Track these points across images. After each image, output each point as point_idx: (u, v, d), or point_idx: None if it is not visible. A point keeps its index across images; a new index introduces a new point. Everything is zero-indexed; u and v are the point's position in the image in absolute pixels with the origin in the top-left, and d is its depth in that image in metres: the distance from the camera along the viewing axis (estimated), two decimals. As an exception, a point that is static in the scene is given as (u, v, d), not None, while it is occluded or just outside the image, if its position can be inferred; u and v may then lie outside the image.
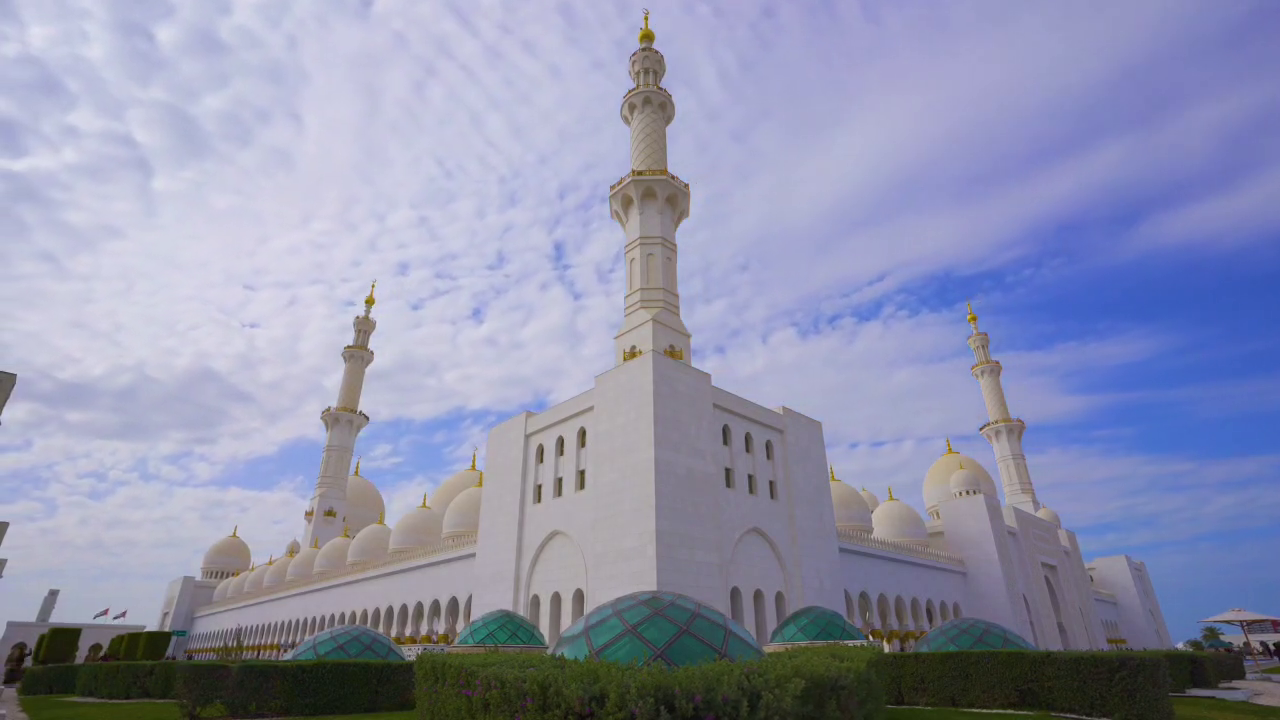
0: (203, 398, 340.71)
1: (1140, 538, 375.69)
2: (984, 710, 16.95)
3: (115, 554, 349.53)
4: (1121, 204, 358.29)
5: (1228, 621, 57.94)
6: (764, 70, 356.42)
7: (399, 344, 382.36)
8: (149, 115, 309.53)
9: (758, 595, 38.96)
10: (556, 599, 38.94)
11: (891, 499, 73.80)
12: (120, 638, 48.04)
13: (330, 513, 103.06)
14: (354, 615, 64.14)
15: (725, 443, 40.94)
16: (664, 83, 60.51)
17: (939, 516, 74.91)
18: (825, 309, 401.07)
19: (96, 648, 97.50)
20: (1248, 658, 68.20)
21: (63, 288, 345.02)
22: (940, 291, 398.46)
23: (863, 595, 53.84)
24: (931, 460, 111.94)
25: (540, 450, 44.46)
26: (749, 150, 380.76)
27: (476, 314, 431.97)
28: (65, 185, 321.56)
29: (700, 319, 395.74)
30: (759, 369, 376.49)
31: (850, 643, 20.86)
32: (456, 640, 29.35)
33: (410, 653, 47.34)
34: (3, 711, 25.11)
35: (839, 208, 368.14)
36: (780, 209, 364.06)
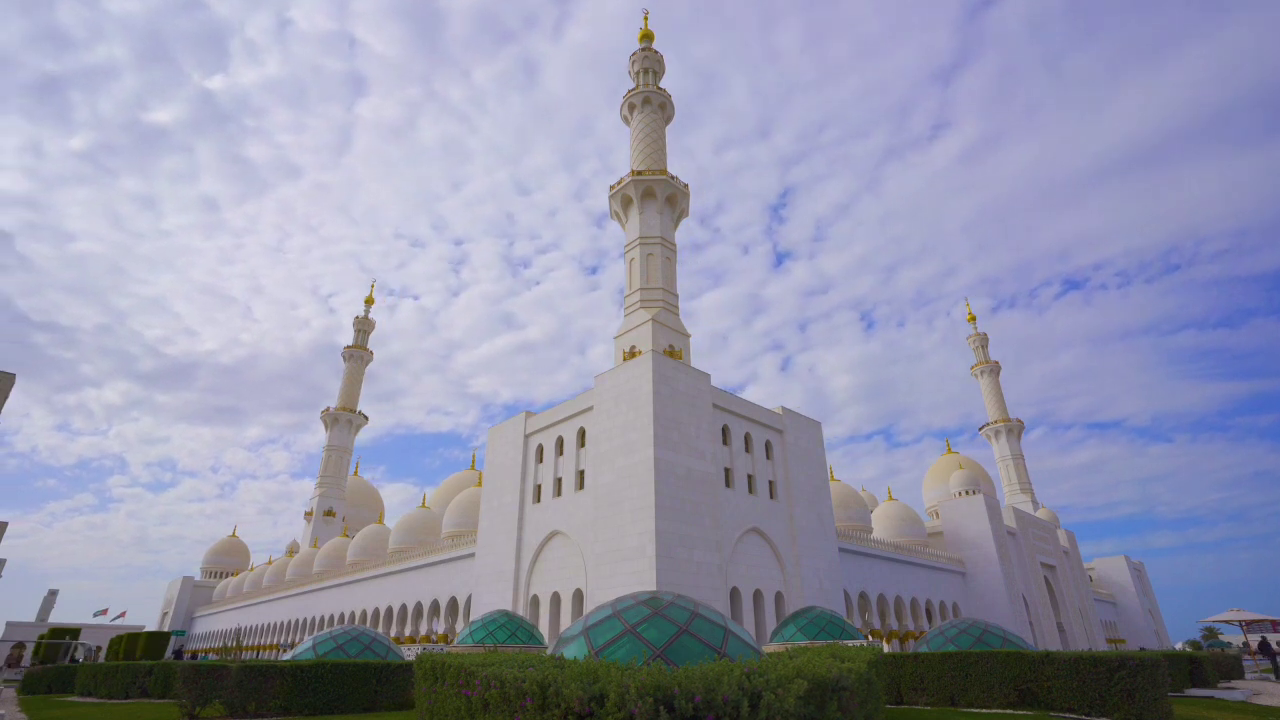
0: (313, 376, 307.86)
1: (1219, 532, 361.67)
2: (983, 710, 16.95)
3: (156, 551, 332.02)
4: None
5: (1227, 621, 57.88)
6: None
7: (561, 314, 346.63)
8: (388, 9, 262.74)
9: (757, 595, 38.95)
10: (556, 599, 38.93)
11: (891, 499, 73.81)
12: (119, 638, 47.94)
13: (330, 513, 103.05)
14: (353, 615, 64.10)
15: (725, 443, 40.93)
16: None
17: (938, 516, 74.92)
18: (1038, 274, 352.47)
19: (96, 648, 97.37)
20: (1246, 658, 68.21)
21: (209, 244, 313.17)
22: (1165, 255, 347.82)
23: (862, 595, 53.84)
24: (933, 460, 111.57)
25: (540, 450, 44.44)
26: (1056, 78, 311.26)
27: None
28: (257, 109, 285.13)
29: (900, 285, 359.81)
30: (931, 344, 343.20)
31: (850, 643, 20.85)
32: (456, 640, 29.33)
33: (410, 653, 47.32)
34: (2, 712, 25.08)
35: (1114, 154, 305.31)
36: (1049, 155, 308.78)
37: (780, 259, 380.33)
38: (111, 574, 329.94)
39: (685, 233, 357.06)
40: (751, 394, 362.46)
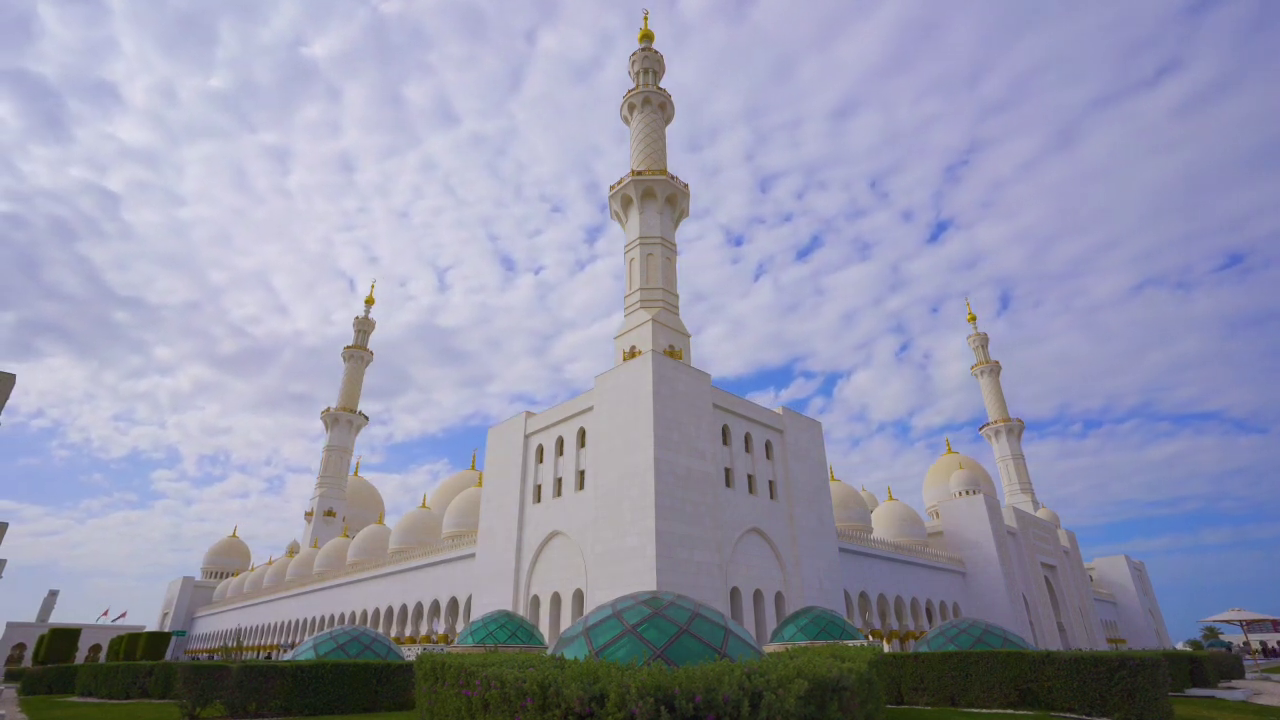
0: (400, 359, 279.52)
1: (1269, 530, 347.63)
2: (983, 710, 16.95)
3: (187, 549, 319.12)
4: None
5: (1227, 621, 57.82)
6: None
7: (692, 288, 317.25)
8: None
9: (757, 595, 38.95)
10: (556, 599, 38.93)
11: (891, 499, 73.81)
12: (120, 638, 47.96)
13: (330, 513, 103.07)
14: (354, 615, 64.09)
15: (725, 443, 40.93)
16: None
17: (939, 516, 74.90)
18: (1203, 245, 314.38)
19: (96, 648, 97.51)
20: (1246, 657, 68.12)
21: (331, 208, 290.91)
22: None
23: (862, 595, 53.83)
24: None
25: (540, 450, 44.45)
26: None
27: (813, 244, 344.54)
28: (428, 36, 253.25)
29: (1052, 259, 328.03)
30: (1061, 325, 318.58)
31: (850, 643, 20.84)
32: (456, 640, 29.34)
33: (410, 653, 47.31)
34: (2, 712, 25.08)
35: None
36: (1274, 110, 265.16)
37: (940, 228, 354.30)
38: (137, 573, 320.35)
39: (850, 198, 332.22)
40: (859, 380, 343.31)
